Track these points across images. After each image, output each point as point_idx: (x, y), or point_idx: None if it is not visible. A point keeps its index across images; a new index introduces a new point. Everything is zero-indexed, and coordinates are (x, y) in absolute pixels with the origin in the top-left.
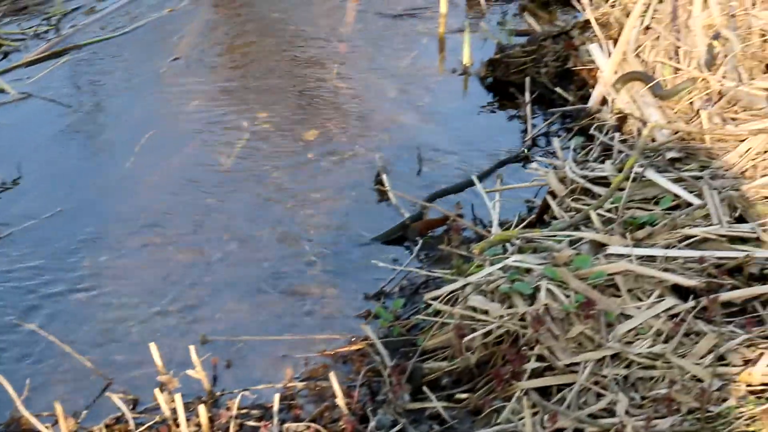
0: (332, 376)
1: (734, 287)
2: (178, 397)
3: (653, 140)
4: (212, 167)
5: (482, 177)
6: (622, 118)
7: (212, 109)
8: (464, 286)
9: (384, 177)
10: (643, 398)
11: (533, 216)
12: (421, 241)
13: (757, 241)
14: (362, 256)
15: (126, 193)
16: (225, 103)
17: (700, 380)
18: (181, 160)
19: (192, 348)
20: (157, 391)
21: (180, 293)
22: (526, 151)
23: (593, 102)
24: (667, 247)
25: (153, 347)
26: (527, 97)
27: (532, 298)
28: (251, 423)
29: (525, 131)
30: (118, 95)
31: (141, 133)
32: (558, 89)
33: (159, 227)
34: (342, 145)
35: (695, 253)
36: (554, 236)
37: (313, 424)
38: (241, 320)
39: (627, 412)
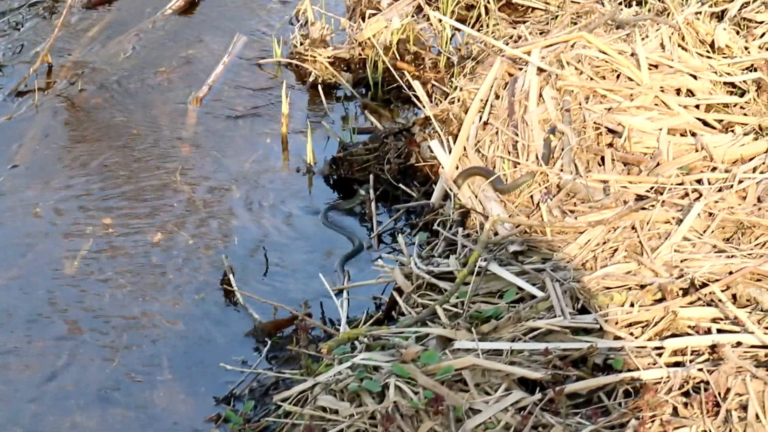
0: None
1: (579, 378)
2: None
3: (496, 234)
4: (55, 275)
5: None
6: (465, 213)
7: (54, 216)
8: (314, 386)
9: (231, 277)
10: None
11: (381, 313)
12: (270, 342)
13: (599, 332)
14: (211, 359)
15: None
16: (67, 209)
17: None
18: (22, 269)
19: None
20: None
21: (22, 403)
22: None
23: (436, 198)
24: (513, 340)
25: None
26: (371, 194)
27: (381, 395)
28: None
29: (371, 228)
30: None
31: None
32: (402, 186)
33: None
34: (187, 247)
35: (540, 345)
36: (401, 333)
37: None
38: (88, 430)
39: None
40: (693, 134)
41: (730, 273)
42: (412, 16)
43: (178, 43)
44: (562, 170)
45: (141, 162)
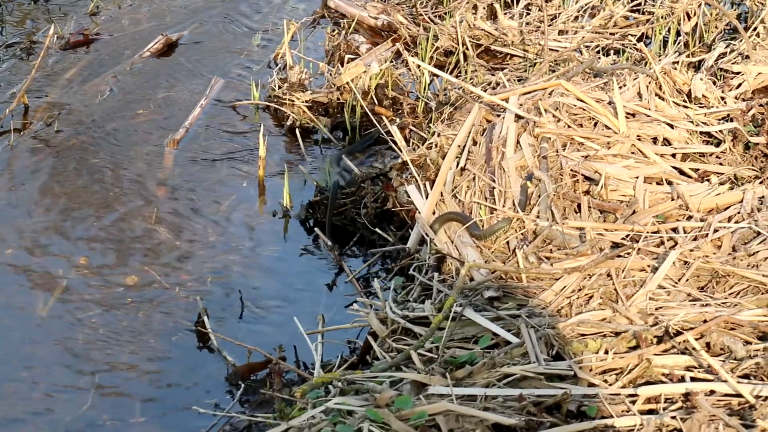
0: None
1: (553, 425)
2: None
3: (471, 280)
4: (28, 315)
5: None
6: (441, 258)
7: (28, 257)
8: (287, 430)
9: (205, 320)
10: None
11: (355, 357)
12: (243, 385)
13: (574, 378)
14: (183, 402)
15: None
16: (41, 250)
17: None
18: None
19: None
20: None
21: None
22: None
23: (412, 243)
24: (487, 385)
25: None
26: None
27: None
28: None
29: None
30: None
31: None
32: (378, 230)
33: None
34: (162, 289)
35: (514, 392)
36: (376, 377)
37: None
38: None
39: None
40: (669, 183)
41: (705, 321)
42: (391, 62)
43: (156, 85)
44: (538, 217)
45: (117, 204)
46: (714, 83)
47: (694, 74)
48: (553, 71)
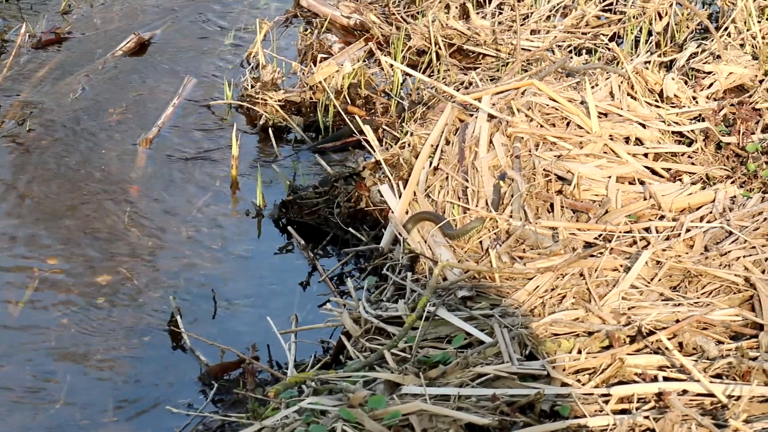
0: None
1: (526, 424)
2: None
3: (445, 279)
4: (0, 315)
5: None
6: (414, 258)
7: None
8: (260, 429)
9: (178, 319)
10: None
11: (329, 357)
12: (216, 385)
13: (547, 378)
14: (157, 402)
15: None
16: (12, 250)
17: None
18: None
19: None
20: None
21: None
22: None
23: (385, 242)
24: (461, 385)
25: None
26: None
27: None
28: None
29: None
30: None
31: None
32: (351, 230)
33: None
34: (135, 289)
35: (488, 391)
36: (349, 377)
37: None
38: None
39: None
40: (641, 182)
41: (677, 321)
42: (364, 61)
43: (128, 84)
44: (511, 216)
45: (89, 203)
46: (686, 83)
47: (665, 74)
48: (526, 71)
